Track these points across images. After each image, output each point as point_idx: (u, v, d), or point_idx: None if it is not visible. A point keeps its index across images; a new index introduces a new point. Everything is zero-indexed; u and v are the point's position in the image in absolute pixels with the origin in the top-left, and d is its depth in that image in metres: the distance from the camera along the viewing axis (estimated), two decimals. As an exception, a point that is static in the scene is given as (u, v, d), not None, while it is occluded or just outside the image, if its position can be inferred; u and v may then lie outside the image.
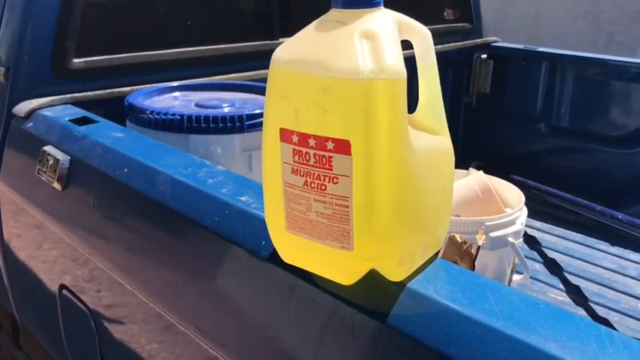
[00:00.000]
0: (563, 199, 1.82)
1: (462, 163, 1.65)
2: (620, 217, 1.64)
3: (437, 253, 0.70)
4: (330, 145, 0.58)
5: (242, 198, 0.83)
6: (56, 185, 1.11)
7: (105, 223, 1.05)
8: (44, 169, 1.15)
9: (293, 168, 0.61)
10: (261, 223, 0.71)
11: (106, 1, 1.42)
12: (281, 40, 1.63)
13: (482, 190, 1.39)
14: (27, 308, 1.45)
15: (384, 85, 0.56)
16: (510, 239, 1.28)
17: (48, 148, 1.15)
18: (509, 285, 1.38)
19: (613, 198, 1.90)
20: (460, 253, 1.08)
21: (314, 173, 0.60)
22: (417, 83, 0.68)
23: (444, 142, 0.67)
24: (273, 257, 0.71)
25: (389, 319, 0.61)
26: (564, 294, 1.59)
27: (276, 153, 0.62)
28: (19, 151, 1.30)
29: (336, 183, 0.59)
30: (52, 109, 1.27)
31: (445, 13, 2.16)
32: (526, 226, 1.39)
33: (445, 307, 0.59)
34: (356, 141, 0.57)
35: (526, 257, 1.46)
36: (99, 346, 1.13)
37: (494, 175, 1.48)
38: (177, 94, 1.41)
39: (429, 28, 0.65)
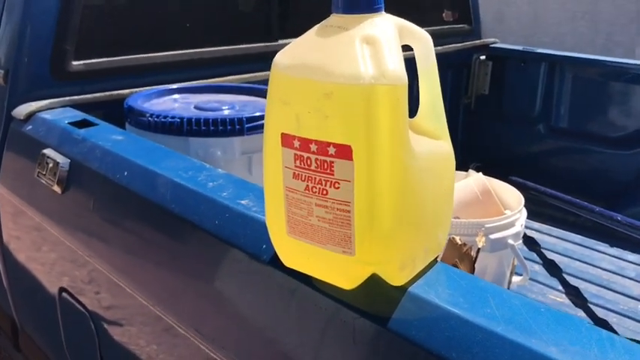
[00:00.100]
0: (562, 200, 1.82)
1: (461, 164, 1.65)
2: (619, 218, 1.64)
3: (437, 257, 0.70)
4: (331, 150, 0.58)
5: (242, 201, 0.83)
6: (56, 188, 1.11)
7: (105, 225, 1.05)
8: (44, 172, 1.15)
9: (294, 173, 0.61)
10: (262, 227, 0.71)
11: (105, 4, 1.42)
12: (280, 42, 1.63)
13: (481, 192, 1.40)
14: (26, 310, 1.45)
15: (385, 90, 0.56)
16: (510, 241, 1.28)
17: (47, 151, 1.15)
18: (508, 286, 1.38)
19: (612, 199, 1.90)
20: (460, 255, 1.08)
21: (315, 178, 0.60)
22: (418, 87, 0.68)
23: (444, 147, 0.68)
24: (274, 261, 0.71)
25: (390, 323, 0.61)
26: (563, 295, 1.59)
27: (278, 158, 0.62)
28: (19, 154, 1.29)
29: (338, 188, 0.59)
30: (51, 111, 1.27)
31: (444, 15, 2.16)
32: (525, 227, 1.39)
33: (446, 311, 0.60)
34: (357, 146, 0.57)
35: (525, 259, 1.46)
36: (99, 349, 1.13)
37: (493, 176, 1.48)
38: (176, 96, 1.41)
39: (427, 30, 0.65)
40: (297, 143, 0.60)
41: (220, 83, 1.50)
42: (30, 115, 1.26)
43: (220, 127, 1.19)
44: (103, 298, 1.09)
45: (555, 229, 1.92)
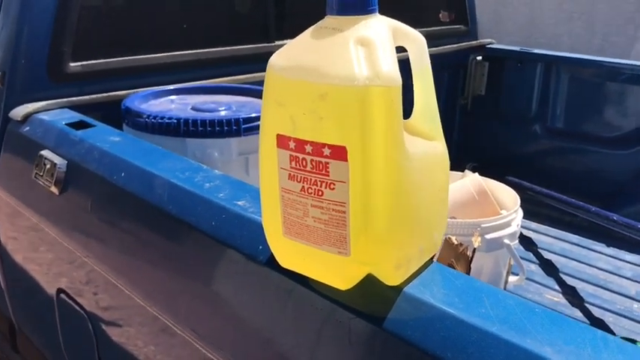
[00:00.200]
0: (559, 200, 1.83)
1: (457, 164, 1.66)
2: (615, 218, 1.65)
3: (433, 257, 0.71)
4: (326, 151, 0.59)
5: (239, 202, 0.83)
6: (53, 189, 1.12)
7: (102, 226, 1.05)
8: (41, 173, 1.15)
9: (290, 174, 0.62)
10: (259, 228, 0.71)
11: (102, 5, 1.42)
12: (277, 42, 1.64)
13: (477, 192, 1.40)
14: (24, 311, 1.45)
15: (379, 91, 0.56)
16: (506, 241, 1.29)
17: (45, 153, 1.15)
18: (505, 286, 1.38)
19: (608, 199, 1.91)
20: (456, 255, 1.09)
21: (311, 179, 0.60)
22: (413, 88, 0.68)
23: (439, 148, 0.68)
24: (270, 262, 0.71)
25: (386, 323, 0.61)
26: (560, 295, 1.60)
27: (273, 159, 0.63)
28: (16, 155, 1.30)
29: (333, 189, 0.60)
30: (48, 113, 1.27)
31: (440, 16, 2.17)
32: (522, 227, 1.40)
33: (441, 311, 0.60)
34: (352, 147, 0.58)
35: (522, 258, 1.47)
36: (97, 349, 1.13)
37: (490, 176, 1.49)
38: (173, 97, 1.41)
39: (424, 31, 0.66)
40: (292, 144, 0.60)
41: (217, 84, 1.50)
42: (27, 117, 1.26)
43: (217, 128, 1.19)
44: (100, 298, 1.09)
45: (552, 229, 1.92)
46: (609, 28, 4.40)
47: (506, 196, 1.42)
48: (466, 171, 1.52)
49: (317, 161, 0.59)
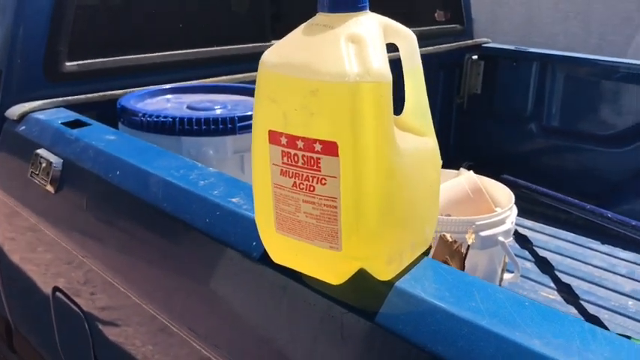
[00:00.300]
0: (554, 198, 1.83)
1: (453, 163, 1.67)
2: (609, 215, 1.66)
3: (426, 253, 0.71)
4: (317, 146, 0.59)
5: (233, 199, 0.84)
6: (49, 188, 1.12)
7: (98, 225, 1.06)
8: (37, 172, 1.15)
9: (282, 169, 0.62)
10: (252, 225, 0.72)
11: (98, 5, 1.42)
12: (273, 42, 1.64)
13: (472, 190, 1.41)
14: (20, 311, 1.45)
15: (370, 87, 0.57)
16: (500, 238, 1.30)
17: (41, 151, 1.16)
18: (500, 284, 1.39)
19: (603, 197, 1.92)
20: (450, 252, 1.09)
21: (302, 174, 0.61)
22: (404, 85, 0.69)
23: (429, 143, 0.69)
24: (264, 258, 0.72)
25: (377, 317, 0.62)
26: (555, 292, 1.60)
27: (265, 155, 0.63)
28: (12, 154, 1.30)
29: (324, 184, 0.60)
30: (44, 112, 1.27)
31: (436, 15, 2.17)
32: (517, 225, 1.41)
33: (432, 305, 0.60)
34: (343, 143, 0.58)
35: (517, 256, 1.48)
36: (93, 349, 1.13)
37: (485, 174, 1.50)
38: (169, 96, 1.41)
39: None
40: (284, 140, 0.61)
41: (212, 83, 1.50)
42: (23, 116, 1.26)
43: (212, 127, 1.20)
44: (97, 298, 1.10)
45: (547, 226, 1.93)
46: (606, 28, 4.42)
47: (501, 193, 1.43)
48: (461, 169, 1.53)
49: (308, 157, 0.60)
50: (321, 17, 0.61)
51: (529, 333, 0.56)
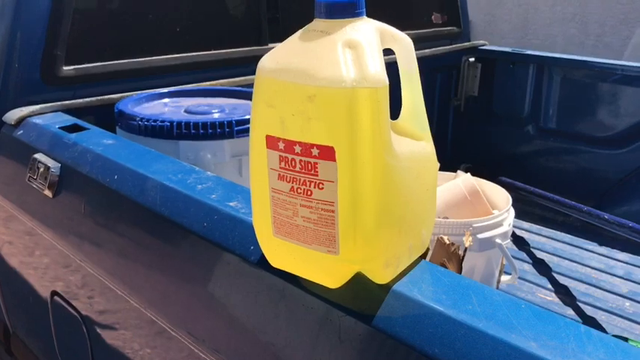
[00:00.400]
0: (551, 200, 1.84)
1: (450, 165, 1.68)
2: (606, 217, 1.66)
3: (423, 256, 0.72)
4: (315, 151, 0.59)
5: (231, 203, 0.84)
6: (47, 192, 1.12)
7: (96, 229, 1.06)
8: (35, 177, 1.15)
9: (279, 174, 0.63)
10: (250, 228, 0.72)
11: (95, 9, 1.43)
12: (270, 45, 1.65)
13: (470, 193, 1.41)
14: (18, 315, 1.45)
15: (366, 93, 0.58)
16: (498, 240, 1.30)
17: (39, 156, 1.16)
18: (497, 285, 1.39)
19: (600, 198, 1.92)
20: (448, 254, 1.09)
21: (300, 179, 0.61)
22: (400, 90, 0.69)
23: (426, 147, 0.69)
24: (262, 262, 0.72)
25: (375, 320, 0.62)
26: (553, 294, 1.61)
27: (263, 159, 0.64)
28: (10, 159, 1.30)
29: (322, 188, 0.60)
30: (42, 116, 1.28)
31: (433, 17, 2.18)
32: (515, 227, 1.41)
33: (429, 308, 0.61)
34: (340, 147, 0.59)
35: (515, 258, 1.48)
36: (91, 352, 1.13)
37: (482, 176, 1.50)
38: (166, 100, 1.42)
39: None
40: (281, 145, 0.61)
41: (210, 87, 1.51)
42: (21, 120, 1.27)
43: (210, 131, 1.20)
44: (94, 301, 1.10)
45: (544, 228, 1.94)
46: (603, 29, 4.43)
47: (499, 196, 1.43)
48: (459, 172, 1.53)
49: (306, 161, 0.60)
50: (318, 23, 0.62)
51: (525, 335, 0.56)
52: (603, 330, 1.45)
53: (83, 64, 1.37)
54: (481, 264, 1.33)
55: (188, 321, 0.87)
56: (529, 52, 2.17)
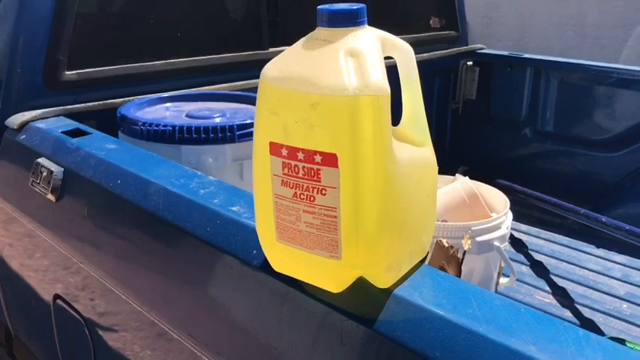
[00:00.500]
0: (549, 202, 1.85)
1: (448, 168, 1.69)
2: (604, 219, 1.68)
3: (423, 260, 0.73)
4: (318, 158, 0.61)
5: (234, 208, 0.85)
6: (50, 197, 1.13)
7: (99, 233, 1.07)
8: (38, 181, 1.16)
9: (283, 180, 0.64)
10: (253, 233, 0.73)
11: (97, 14, 1.44)
12: (271, 50, 1.66)
13: (468, 196, 1.42)
14: (20, 317, 1.46)
15: (368, 101, 0.59)
16: (496, 243, 1.31)
17: (41, 160, 1.17)
18: (496, 288, 1.41)
19: (597, 201, 1.94)
20: (447, 257, 1.10)
21: (303, 185, 0.62)
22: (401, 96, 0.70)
23: (427, 153, 0.70)
24: (265, 266, 0.73)
25: (376, 324, 0.63)
26: (550, 296, 1.62)
27: (266, 166, 0.65)
28: (12, 163, 1.31)
29: (325, 194, 0.62)
30: (45, 121, 1.28)
31: (431, 21, 2.19)
32: (513, 229, 1.42)
33: (430, 312, 0.62)
34: (343, 154, 0.60)
35: (513, 260, 1.49)
36: (94, 355, 1.14)
37: (480, 179, 1.51)
38: (168, 104, 1.42)
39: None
40: (284, 152, 0.62)
41: (211, 91, 1.52)
42: (23, 125, 1.27)
43: (212, 135, 1.21)
44: (97, 304, 1.10)
45: (542, 230, 1.95)
46: (599, 32, 4.45)
47: (497, 199, 1.44)
48: (457, 174, 1.54)
49: (309, 168, 0.61)
50: (320, 32, 0.63)
51: (525, 339, 0.57)
52: (601, 332, 1.46)
53: (85, 68, 1.38)
54: (480, 267, 1.34)
55: (191, 324, 0.88)
56: (526, 55, 2.18)
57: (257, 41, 1.66)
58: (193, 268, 0.87)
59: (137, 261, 0.98)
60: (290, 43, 0.66)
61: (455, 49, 2.24)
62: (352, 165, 0.60)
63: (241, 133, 1.23)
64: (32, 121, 1.28)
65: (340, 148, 0.60)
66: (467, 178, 1.49)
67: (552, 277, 1.70)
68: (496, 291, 1.40)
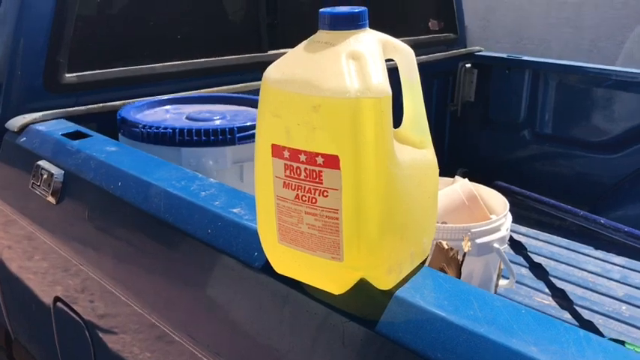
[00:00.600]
0: (548, 204, 1.86)
1: (448, 170, 1.69)
2: (602, 221, 1.68)
3: (424, 262, 0.73)
4: (319, 160, 0.61)
5: (235, 210, 0.85)
6: (50, 199, 1.13)
7: (99, 235, 1.07)
8: (38, 183, 1.16)
9: (285, 182, 0.64)
10: (254, 235, 0.73)
11: (97, 16, 1.44)
12: (270, 52, 1.66)
13: (467, 198, 1.43)
14: (20, 320, 1.46)
15: (370, 103, 0.59)
16: (496, 245, 1.31)
17: (42, 163, 1.17)
18: (495, 290, 1.41)
19: (596, 203, 1.94)
20: (447, 259, 1.11)
21: (305, 187, 0.63)
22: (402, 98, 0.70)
23: (428, 155, 0.70)
24: (266, 268, 0.73)
25: (378, 326, 0.64)
26: (550, 298, 1.62)
27: (268, 168, 0.65)
28: (13, 165, 1.31)
29: (326, 196, 0.62)
30: (45, 123, 1.29)
31: (430, 24, 2.20)
32: (512, 231, 1.43)
33: (431, 313, 0.62)
34: (344, 156, 0.60)
35: (512, 262, 1.49)
36: (94, 357, 1.14)
37: (479, 181, 1.52)
38: (168, 107, 1.43)
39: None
40: (286, 154, 0.63)
41: (211, 93, 1.52)
42: (24, 127, 1.28)
43: (212, 137, 1.21)
44: (97, 306, 1.10)
45: (541, 232, 1.95)
46: (597, 34, 4.47)
47: (496, 201, 1.45)
48: (456, 176, 1.55)
49: (311, 170, 0.62)
50: (322, 34, 0.63)
51: (526, 340, 0.58)
52: (600, 333, 1.46)
53: (85, 71, 1.38)
54: (479, 268, 1.34)
55: (190, 325, 0.88)
56: (525, 58, 2.19)
57: (256, 44, 1.67)
58: (194, 270, 0.87)
59: (138, 263, 0.99)
60: (289, 45, 0.66)
61: (453, 51, 2.25)
62: (354, 167, 0.60)
63: (241, 135, 1.23)
64: (32, 123, 1.28)
65: (342, 150, 0.60)
66: (466, 180, 1.50)
67: (551, 278, 1.71)
68: (495, 293, 1.41)
